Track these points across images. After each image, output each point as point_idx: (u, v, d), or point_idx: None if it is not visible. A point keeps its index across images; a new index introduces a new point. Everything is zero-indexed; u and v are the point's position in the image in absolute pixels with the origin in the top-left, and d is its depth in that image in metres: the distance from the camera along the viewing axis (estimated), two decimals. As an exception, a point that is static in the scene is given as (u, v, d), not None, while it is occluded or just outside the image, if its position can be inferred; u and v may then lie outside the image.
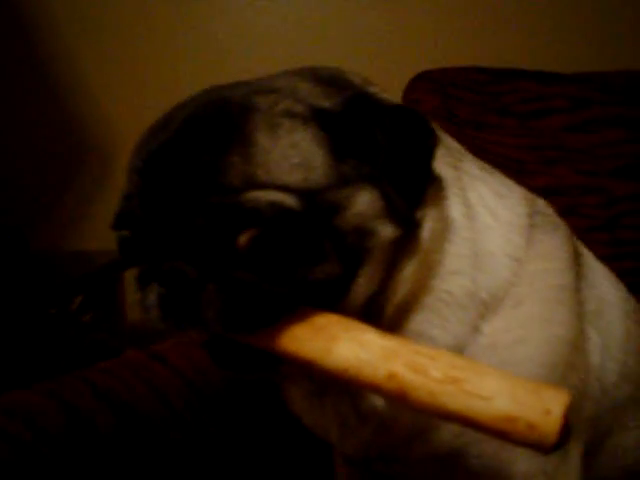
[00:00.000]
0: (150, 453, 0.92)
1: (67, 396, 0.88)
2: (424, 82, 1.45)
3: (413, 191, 0.66)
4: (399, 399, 0.59)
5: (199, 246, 0.60)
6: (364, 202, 0.63)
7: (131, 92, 2.08)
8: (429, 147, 0.66)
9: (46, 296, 1.67)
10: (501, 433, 0.55)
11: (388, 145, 0.63)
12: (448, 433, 0.74)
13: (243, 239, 0.60)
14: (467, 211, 0.74)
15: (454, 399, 0.56)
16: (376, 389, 0.60)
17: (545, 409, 0.54)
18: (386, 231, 0.64)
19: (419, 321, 0.72)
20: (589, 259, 0.89)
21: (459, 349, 0.73)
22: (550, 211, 0.84)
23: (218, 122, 0.62)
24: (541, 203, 0.84)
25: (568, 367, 0.76)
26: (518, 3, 1.93)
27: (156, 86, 2.05)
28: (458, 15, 1.93)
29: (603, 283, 0.88)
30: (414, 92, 1.44)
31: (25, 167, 2.12)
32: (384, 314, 0.70)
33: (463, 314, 0.73)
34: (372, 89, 0.72)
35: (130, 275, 2.09)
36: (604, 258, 0.93)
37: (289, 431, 1.05)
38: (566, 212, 0.91)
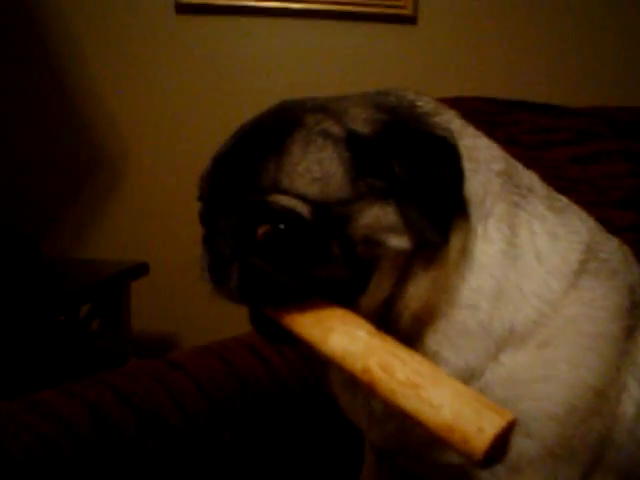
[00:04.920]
0: (168, 454, 0.96)
1: (91, 397, 0.92)
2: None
3: (436, 216, 0.72)
4: (369, 391, 0.68)
5: (234, 231, 0.73)
6: (374, 215, 0.72)
7: (143, 109, 2.12)
8: (449, 181, 0.73)
9: (56, 303, 1.70)
10: (443, 439, 0.64)
11: (407, 172, 0.71)
12: None
13: (260, 231, 0.71)
14: (508, 249, 0.77)
15: (409, 402, 0.65)
16: (354, 378, 0.69)
17: (479, 427, 0.62)
18: (395, 242, 0.72)
19: (433, 341, 0.77)
20: None
21: (473, 375, 0.77)
22: (616, 256, 0.85)
23: (270, 133, 0.75)
24: (608, 247, 0.85)
25: (590, 412, 0.77)
26: (530, 39, 2.01)
27: (169, 104, 2.11)
28: (474, 47, 2.02)
29: None
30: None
31: (38, 178, 2.16)
32: (400, 325, 0.76)
33: (477, 344, 0.77)
34: (431, 119, 0.78)
35: (136, 285, 2.12)
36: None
37: (299, 436, 1.09)
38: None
